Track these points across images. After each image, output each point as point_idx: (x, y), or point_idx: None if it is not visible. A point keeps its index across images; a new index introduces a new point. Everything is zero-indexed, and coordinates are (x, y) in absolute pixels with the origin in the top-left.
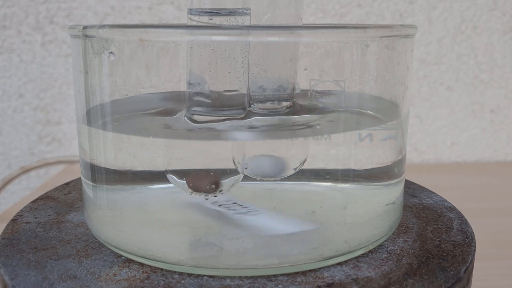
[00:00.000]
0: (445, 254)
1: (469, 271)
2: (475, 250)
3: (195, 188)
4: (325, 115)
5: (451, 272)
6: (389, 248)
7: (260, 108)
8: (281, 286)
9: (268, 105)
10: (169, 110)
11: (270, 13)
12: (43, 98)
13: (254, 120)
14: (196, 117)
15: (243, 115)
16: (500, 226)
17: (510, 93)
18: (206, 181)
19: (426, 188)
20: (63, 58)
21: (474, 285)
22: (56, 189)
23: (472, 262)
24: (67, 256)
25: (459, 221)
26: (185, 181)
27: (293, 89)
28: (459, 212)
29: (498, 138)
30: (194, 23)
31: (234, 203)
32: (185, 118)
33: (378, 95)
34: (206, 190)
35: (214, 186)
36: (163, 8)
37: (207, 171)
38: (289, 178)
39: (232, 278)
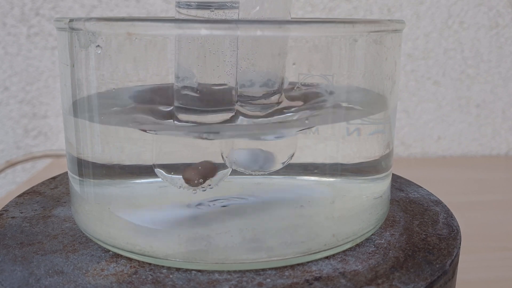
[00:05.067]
0: (431, 247)
1: (454, 264)
2: (460, 243)
3: (188, 182)
4: (312, 110)
5: (437, 265)
6: (376, 241)
7: (248, 102)
8: (269, 280)
9: (256, 100)
10: (157, 107)
11: (258, 7)
12: (29, 91)
13: (241, 121)
14: (184, 118)
15: (231, 116)
16: (485, 219)
17: (496, 88)
18: (196, 175)
19: (413, 182)
20: (49, 51)
21: (459, 277)
22: (43, 183)
23: (457, 255)
24: (54, 251)
25: (445, 215)
26: (173, 175)
27: (282, 83)
28: (445, 205)
29: (484, 133)
30: (182, 16)
31: (217, 200)
32: (174, 122)
33: (366, 90)
34: (195, 184)
35: (202, 180)
36: (151, 1)
37: (196, 165)
38: (277, 172)
39: (220, 272)
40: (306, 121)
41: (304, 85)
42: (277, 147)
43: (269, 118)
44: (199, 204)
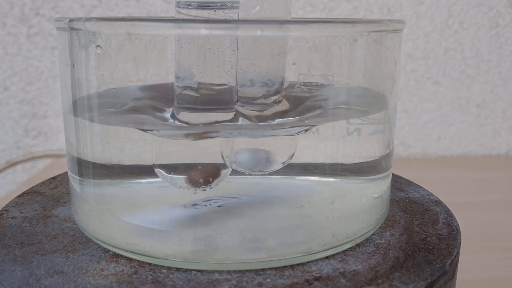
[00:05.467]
0: (431, 247)
1: (454, 264)
2: (460, 243)
3: (193, 183)
4: (312, 110)
5: (437, 265)
6: (376, 241)
7: (248, 102)
8: (269, 280)
9: (257, 100)
10: (158, 106)
11: (258, 7)
12: (29, 91)
13: (242, 122)
14: (184, 118)
15: (231, 116)
16: (485, 219)
17: (496, 88)
18: (198, 175)
19: (413, 182)
20: (49, 51)
21: (459, 277)
22: (43, 183)
23: (457, 255)
24: (54, 251)
25: (445, 215)
26: (173, 175)
27: (282, 83)
28: (445, 205)
29: (484, 133)
30: (182, 16)
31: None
32: (174, 120)
33: (367, 89)
34: (198, 185)
35: (202, 181)
36: (151, 1)
37: (198, 166)
38: (277, 172)
39: (220, 272)
40: (306, 121)
41: (304, 84)
42: (277, 147)
43: (268, 122)
44: (195, 205)
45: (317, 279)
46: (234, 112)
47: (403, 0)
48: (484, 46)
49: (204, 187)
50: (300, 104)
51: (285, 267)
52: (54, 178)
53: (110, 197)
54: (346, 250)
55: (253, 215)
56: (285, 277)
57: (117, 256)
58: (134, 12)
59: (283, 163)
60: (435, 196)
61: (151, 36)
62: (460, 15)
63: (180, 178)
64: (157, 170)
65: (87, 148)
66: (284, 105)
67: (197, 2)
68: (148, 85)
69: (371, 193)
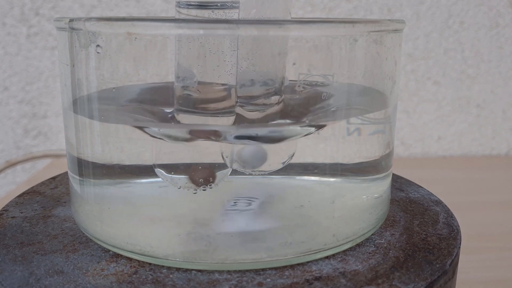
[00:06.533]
0: (431, 247)
1: (454, 263)
2: (460, 243)
3: (194, 182)
4: (313, 111)
5: (437, 265)
6: (376, 241)
7: (248, 102)
8: (269, 280)
9: (257, 100)
10: (158, 106)
11: (258, 7)
12: (29, 91)
13: (242, 126)
14: (184, 120)
15: (231, 120)
16: (485, 219)
17: (496, 88)
18: (200, 175)
19: (413, 182)
20: (49, 51)
21: (459, 277)
22: (43, 183)
23: (457, 255)
24: (54, 251)
25: (445, 215)
26: (173, 175)
27: (282, 83)
28: (445, 205)
29: (484, 133)
30: (182, 16)
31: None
32: (173, 122)
33: (366, 89)
34: (198, 184)
35: (202, 181)
36: (151, 1)
37: (198, 165)
38: (278, 172)
39: (220, 272)
40: (306, 121)
41: (305, 84)
42: (277, 147)
43: (269, 128)
44: (199, 204)
45: (317, 279)
46: (234, 116)
47: (403, 0)
48: (484, 46)
49: (204, 187)
50: (300, 105)
51: (285, 267)
52: (54, 178)
53: (110, 197)
54: (346, 250)
55: (253, 215)
56: (285, 277)
57: (117, 256)
58: (134, 12)
59: (283, 163)
60: (435, 196)
61: (151, 36)
62: (460, 15)
63: (180, 178)
64: (157, 170)
65: (87, 148)
66: (285, 106)
67: (197, 2)
68: (148, 85)
69: (371, 193)
